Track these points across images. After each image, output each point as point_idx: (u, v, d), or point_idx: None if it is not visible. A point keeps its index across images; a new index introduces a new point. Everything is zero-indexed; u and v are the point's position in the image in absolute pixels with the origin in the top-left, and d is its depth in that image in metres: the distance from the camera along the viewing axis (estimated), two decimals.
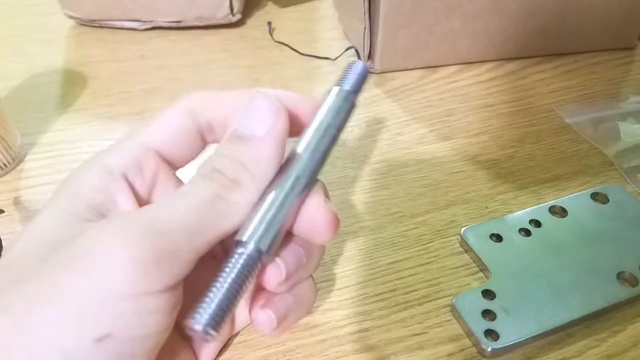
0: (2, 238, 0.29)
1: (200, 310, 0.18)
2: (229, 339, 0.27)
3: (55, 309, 0.17)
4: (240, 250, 0.20)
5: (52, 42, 0.52)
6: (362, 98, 0.45)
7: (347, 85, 0.24)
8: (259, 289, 0.23)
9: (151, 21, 0.53)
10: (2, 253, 0.28)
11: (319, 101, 0.23)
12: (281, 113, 0.21)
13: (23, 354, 0.17)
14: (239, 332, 0.27)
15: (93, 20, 0.53)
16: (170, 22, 0.53)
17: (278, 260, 0.22)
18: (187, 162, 0.24)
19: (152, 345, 0.19)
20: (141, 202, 0.22)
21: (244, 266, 0.20)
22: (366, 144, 0.40)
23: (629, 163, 0.37)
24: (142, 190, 0.22)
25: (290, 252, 0.22)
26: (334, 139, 0.23)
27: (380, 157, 0.38)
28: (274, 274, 0.22)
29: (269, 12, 0.58)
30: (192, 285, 0.20)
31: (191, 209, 0.19)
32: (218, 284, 0.19)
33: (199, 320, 0.18)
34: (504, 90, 0.45)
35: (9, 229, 0.32)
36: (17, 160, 0.38)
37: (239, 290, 0.19)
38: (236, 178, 0.20)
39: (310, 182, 0.22)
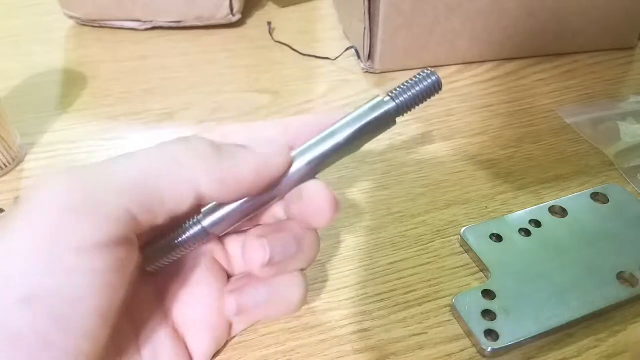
0: None
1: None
2: (226, 342, 0.27)
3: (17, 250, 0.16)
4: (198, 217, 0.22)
5: (52, 42, 0.52)
6: (362, 98, 0.45)
7: (394, 96, 0.23)
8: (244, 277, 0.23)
9: (151, 21, 0.53)
10: None
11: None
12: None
13: None
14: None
15: (93, 20, 0.53)
16: (170, 22, 0.53)
17: (264, 241, 0.22)
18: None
19: (90, 310, 0.17)
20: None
21: (188, 230, 0.22)
22: (366, 144, 0.39)
23: (629, 163, 0.37)
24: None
25: (280, 238, 0.22)
26: (336, 151, 0.22)
27: (380, 157, 0.38)
28: (258, 254, 0.21)
29: (269, 12, 0.58)
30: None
31: (141, 164, 0.19)
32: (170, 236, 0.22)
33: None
34: (503, 91, 0.45)
35: None
36: (17, 160, 0.38)
37: (181, 244, 0.22)
38: (199, 146, 0.20)
39: (287, 190, 0.22)
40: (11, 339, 0.15)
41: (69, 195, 0.17)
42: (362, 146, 0.23)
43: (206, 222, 0.22)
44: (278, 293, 0.23)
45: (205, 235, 0.22)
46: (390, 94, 0.23)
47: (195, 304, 0.24)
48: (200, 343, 0.24)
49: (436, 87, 0.23)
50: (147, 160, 0.19)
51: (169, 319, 0.24)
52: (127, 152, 0.20)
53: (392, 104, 0.23)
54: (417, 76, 0.23)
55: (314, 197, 0.21)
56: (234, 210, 0.22)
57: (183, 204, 0.19)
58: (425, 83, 0.23)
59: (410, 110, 0.23)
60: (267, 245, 0.22)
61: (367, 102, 0.23)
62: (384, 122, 0.23)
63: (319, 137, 0.22)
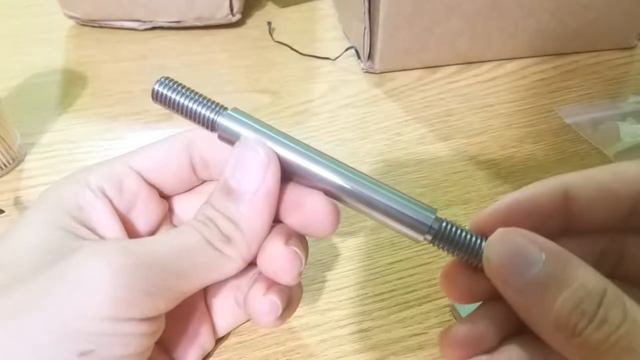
0: None
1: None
2: (222, 341, 0.27)
3: (42, 319, 0.17)
4: (437, 223, 0.20)
5: (52, 42, 0.52)
6: (362, 98, 0.45)
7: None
8: (262, 279, 0.22)
9: (151, 21, 0.53)
10: None
11: None
12: (270, 166, 0.20)
13: (5, 358, 0.17)
14: (234, 333, 0.27)
15: (93, 20, 0.53)
16: (170, 22, 0.53)
17: (298, 250, 0.21)
18: (177, 191, 0.25)
19: None
20: (121, 216, 0.23)
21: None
22: (366, 144, 0.40)
23: None
24: (120, 207, 0.23)
25: (283, 290, 0.22)
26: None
27: (380, 157, 0.38)
28: (296, 266, 0.21)
29: (269, 12, 0.58)
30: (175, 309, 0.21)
31: (185, 250, 0.20)
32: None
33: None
34: (503, 90, 0.45)
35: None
36: (17, 160, 0.38)
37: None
38: (228, 234, 0.20)
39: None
40: None
41: (133, 274, 0.18)
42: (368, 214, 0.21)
43: (222, 120, 0.21)
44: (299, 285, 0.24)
45: (212, 127, 0.21)
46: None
47: (185, 328, 0.24)
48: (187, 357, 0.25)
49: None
50: (184, 246, 0.20)
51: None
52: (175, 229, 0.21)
53: (435, 222, 0.20)
54: (472, 238, 0.19)
55: (315, 209, 0.21)
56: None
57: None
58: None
59: (442, 248, 0.20)
60: (278, 300, 0.21)
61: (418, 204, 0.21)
62: (413, 228, 0.20)
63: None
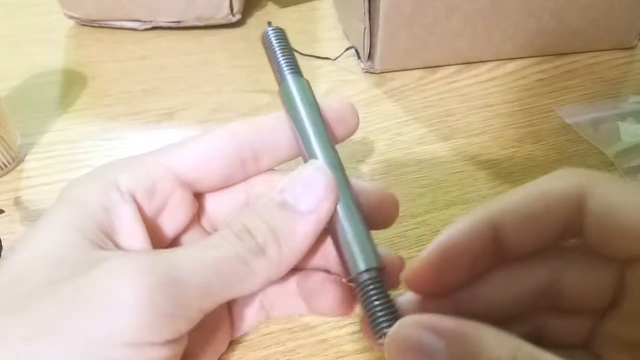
0: (2, 238, 0.29)
1: (378, 327, 0.18)
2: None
3: (60, 344, 0.17)
4: (364, 277, 0.19)
5: (52, 42, 0.52)
6: (362, 98, 0.45)
7: (286, 72, 0.24)
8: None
9: (151, 21, 0.53)
10: (1, 254, 0.28)
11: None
12: (332, 191, 0.20)
13: None
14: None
15: (93, 20, 0.53)
16: (170, 22, 0.53)
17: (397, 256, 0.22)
18: (216, 188, 0.23)
19: None
20: (147, 222, 0.21)
21: (376, 288, 0.19)
22: (366, 144, 0.40)
23: (629, 163, 0.37)
24: (150, 212, 0.22)
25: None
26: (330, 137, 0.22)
27: (380, 157, 0.38)
28: (334, 300, 0.22)
29: (269, 12, 0.58)
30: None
31: (212, 266, 0.19)
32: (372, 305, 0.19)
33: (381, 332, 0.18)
34: (503, 90, 0.45)
35: (9, 229, 0.32)
36: (17, 160, 0.38)
37: (383, 299, 0.19)
38: (264, 245, 0.19)
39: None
40: None
41: (157, 296, 0.17)
42: None
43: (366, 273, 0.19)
44: None
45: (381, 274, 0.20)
46: (281, 77, 0.24)
47: (204, 333, 0.23)
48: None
49: (281, 33, 0.24)
50: (214, 268, 0.19)
51: None
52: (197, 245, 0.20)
53: (292, 76, 0.24)
54: (268, 45, 0.24)
55: (381, 203, 0.21)
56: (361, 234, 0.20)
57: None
58: (275, 41, 0.24)
59: (296, 61, 0.24)
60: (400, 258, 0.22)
61: (292, 97, 0.23)
62: (310, 87, 0.23)
63: (316, 144, 0.21)
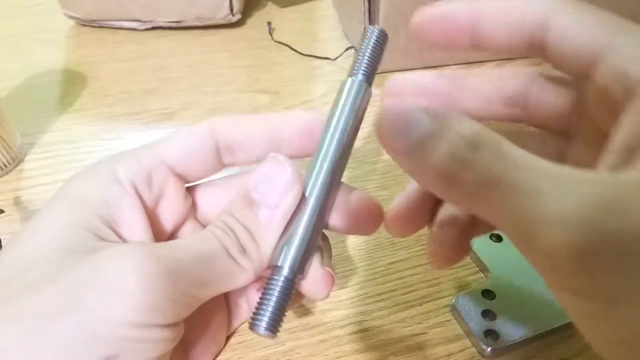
0: (2, 238, 0.29)
1: (259, 318, 0.20)
2: (226, 342, 0.27)
3: (70, 325, 0.17)
4: (277, 275, 0.21)
5: (52, 42, 0.52)
6: None
7: (357, 71, 0.23)
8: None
9: (151, 21, 0.53)
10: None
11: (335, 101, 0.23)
12: (295, 184, 0.21)
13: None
14: (234, 333, 0.27)
15: (93, 20, 0.53)
16: (170, 22, 0.53)
17: (331, 270, 0.23)
18: (199, 178, 0.25)
19: None
20: (148, 212, 0.22)
21: (283, 289, 0.21)
22: (366, 144, 0.40)
23: None
24: (149, 202, 0.23)
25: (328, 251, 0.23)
26: (347, 144, 0.22)
27: (380, 157, 0.38)
28: (330, 286, 0.23)
29: (269, 12, 0.58)
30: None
31: (207, 258, 0.20)
32: (267, 297, 0.21)
33: (260, 326, 0.20)
34: None
35: (9, 229, 0.32)
36: (17, 160, 0.38)
37: (283, 301, 0.21)
38: (244, 244, 0.21)
39: (326, 203, 0.22)
40: None
41: (158, 280, 0.18)
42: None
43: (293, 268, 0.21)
44: None
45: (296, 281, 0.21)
46: (353, 72, 0.23)
47: (203, 324, 0.25)
48: (204, 354, 0.25)
49: (384, 39, 0.23)
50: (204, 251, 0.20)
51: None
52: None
53: (361, 78, 0.23)
54: (364, 40, 0.23)
55: (361, 209, 0.22)
56: (301, 241, 0.21)
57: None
58: (373, 41, 0.23)
59: (376, 71, 0.23)
60: (332, 272, 0.23)
61: (342, 93, 0.22)
62: (366, 98, 0.23)
63: (325, 144, 0.22)
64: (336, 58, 0.49)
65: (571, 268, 0.13)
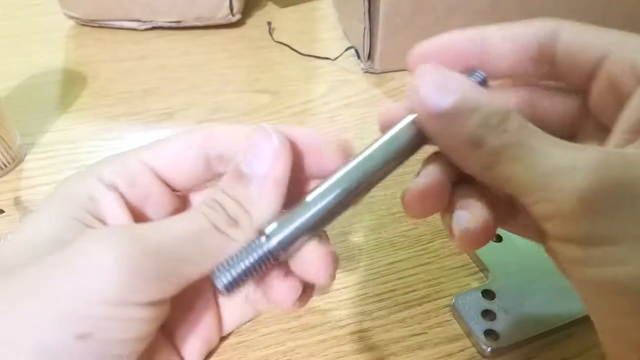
0: (2, 238, 0.29)
1: (224, 272, 0.20)
2: (222, 341, 0.27)
3: (39, 302, 0.17)
4: (262, 240, 0.20)
5: (52, 42, 0.52)
6: (362, 98, 0.45)
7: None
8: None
9: (151, 21, 0.53)
10: None
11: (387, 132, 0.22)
12: (282, 152, 0.21)
13: (2, 347, 0.17)
14: (234, 333, 0.27)
15: (93, 20, 0.53)
16: (170, 22, 0.53)
17: (293, 281, 0.21)
18: (189, 185, 0.25)
19: (134, 348, 0.19)
20: (133, 212, 0.23)
21: (260, 256, 0.20)
22: (366, 144, 0.39)
23: None
24: (133, 202, 0.23)
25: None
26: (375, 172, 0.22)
27: None
28: (332, 266, 0.21)
29: (269, 12, 0.58)
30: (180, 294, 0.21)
31: (192, 235, 0.20)
32: (237, 258, 0.20)
33: (220, 279, 0.20)
34: None
35: (9, 229, 0.32)
36: (17, 160, 0.38)
37: (253, 269, 0.20)
38: (235, 217, 0.21)
39: (342, 203, 0.21)
40: None
41: (137, 258, 0.18)
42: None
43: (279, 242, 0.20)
44: None
45: (274, 258, 0.21)
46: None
47: (192, 320, 0.24)
48: (193, 351, 0.25)
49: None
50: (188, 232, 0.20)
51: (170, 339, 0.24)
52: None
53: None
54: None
55: (311, 260, 0.21)
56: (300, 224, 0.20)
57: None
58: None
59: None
60: (298, 283, 0.22)
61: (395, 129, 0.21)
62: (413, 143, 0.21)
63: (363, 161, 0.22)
64: (336, 58, 0.49)
65: (575, 212, 0.15)
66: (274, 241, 0.20)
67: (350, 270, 0.30)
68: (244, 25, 0.55)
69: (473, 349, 0.26)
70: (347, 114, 0.43)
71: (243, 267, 0.20)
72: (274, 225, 0.20)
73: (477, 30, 0.21)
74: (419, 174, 0.21)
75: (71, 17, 0.53)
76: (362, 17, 0.44)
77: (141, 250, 0.18)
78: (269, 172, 0.21)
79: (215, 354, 0.26)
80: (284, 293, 0.21)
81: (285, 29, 0.54)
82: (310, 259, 0.21)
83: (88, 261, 0.18)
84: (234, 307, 0.26)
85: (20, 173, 0.37)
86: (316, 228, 0.21)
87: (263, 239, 0.20)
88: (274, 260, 0.20)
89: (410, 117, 0.20)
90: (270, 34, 0.53)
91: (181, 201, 0.25)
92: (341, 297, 0.29)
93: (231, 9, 0.52)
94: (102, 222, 0.22)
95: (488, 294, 0.28)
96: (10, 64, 0.49)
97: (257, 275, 0.20)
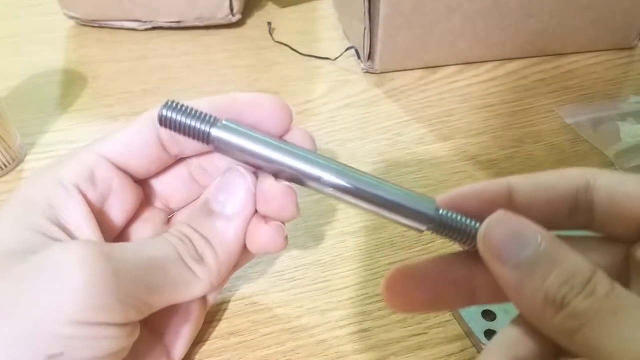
0: None
1: (170, 109, 0.20)
2: (222, 341, 0.27)
3: (11, 323, 0.17)
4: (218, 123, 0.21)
5: (52, 42, 0.52)
6: (362, 98, 0.45)
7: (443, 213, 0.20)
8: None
9: (151, 21, 0.53)
10: None
11: None
12: (253, 196, 0.22)
13: None
14: (234, 333, 0.27)
15: (93, 20, 0.53)
16: (170, 22, 0.52)
17: (289, 184, 0.22)
18: (148, 171, 0.24)
19: None
20: (95, 210, 0.22)
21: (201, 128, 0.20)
22: (366, 144, 0.40)
23: (629, 163, 0.37)
24: (94, 199, 0.22)
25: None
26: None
27: (380, 157, 0.38)
28: (293, 199, 0.22)
29: (269, 12, 0.58)
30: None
31: (158, 264, 0.20)
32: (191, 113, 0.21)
33: (163, 110, 0.20)
34: (504, 91, 0.45)
35: None
36: (17, 160, 0.38)
37: (191, 130, 0.21)
38: (202, 253, 0.21)
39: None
40: None
41: (106, 279, 0.18)
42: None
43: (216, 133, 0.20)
44: None
45: (208, 140, 0.21)
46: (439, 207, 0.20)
47: (181, 319, 0.24)
48: (179, 344, 0.24)
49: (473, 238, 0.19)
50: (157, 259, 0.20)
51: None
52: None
53: (436, 211, 0.20)
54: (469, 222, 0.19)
55: (273, 195, 0.22)
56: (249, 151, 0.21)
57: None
58: (469, 229, 0.19)
59: (442, 234, 0.21)
60: (281, 224, 0.22)
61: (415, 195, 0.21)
62: (417, 219, 0.21)
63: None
64: (336, 58, 0.49)
65: None
66: (220, 130, 0.20)
67: (350, 270, 0.30)
68: (244, 25, 0.55)
69: (473, 349, 0.26)
70: (347, 114, 0.43)
71: (187, 122, 0.20)
72: (233, 124, 0.20)
73: (504, 181, 0.19)
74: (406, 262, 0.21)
75: (71, 17, 0.53)
76: (362, 17, 0.44)
77: (107, 271, 0.18)
78: (239, 213, 0.22)
79: (215, 354, 0.26)
80: (271, 234, 0.22)
81: (285, 29, 0.54)
82: (272, 195, 0.21)
83: (55, 280, 0.18)
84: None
85: (20, 173, 0.37)
86: (262, 157, 0.21)
87: (220, 122, 0.20)
88: (207, 144, 0.21)
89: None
90: (270, 34, 0.53)
91: (142, 193, 0.25)
92: (341, 297, 0.29)
93: (231, 9, 0.52)
94: (64, 229, 0.21)
95: None
96: (10, 64, 0.48)
97: (190, 135, 0.21)
